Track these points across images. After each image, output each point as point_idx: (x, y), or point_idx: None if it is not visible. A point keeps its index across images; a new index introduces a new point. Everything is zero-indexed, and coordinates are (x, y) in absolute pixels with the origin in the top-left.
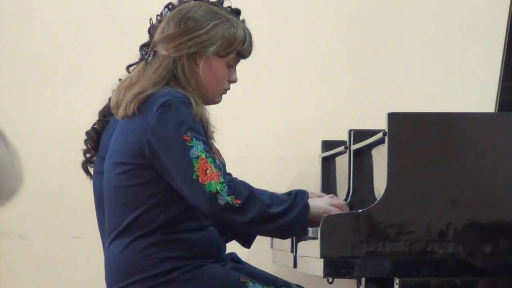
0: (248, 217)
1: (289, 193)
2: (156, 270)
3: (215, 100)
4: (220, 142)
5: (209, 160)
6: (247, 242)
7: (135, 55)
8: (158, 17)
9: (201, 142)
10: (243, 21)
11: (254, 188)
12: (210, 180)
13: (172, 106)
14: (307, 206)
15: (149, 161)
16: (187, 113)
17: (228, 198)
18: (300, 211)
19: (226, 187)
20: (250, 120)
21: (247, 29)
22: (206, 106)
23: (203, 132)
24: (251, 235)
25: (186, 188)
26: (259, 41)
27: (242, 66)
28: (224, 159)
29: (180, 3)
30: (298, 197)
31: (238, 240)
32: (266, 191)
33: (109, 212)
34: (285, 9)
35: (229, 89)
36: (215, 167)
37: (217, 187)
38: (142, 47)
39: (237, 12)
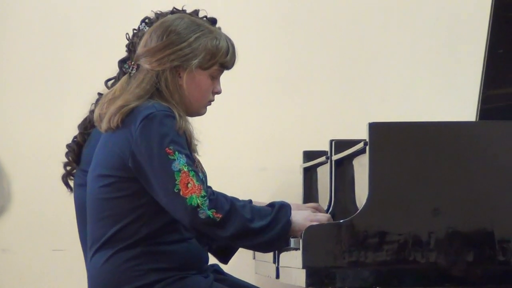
0: (229, 232)
1: (271, 205)
2: (138, 282)
3: (200, 112)
4: (202, 152)
5: (191, 173)
6: (224, 259)
7: (115, 69)
8: (135, 32)
9: (183, 156)
10: (219, 28)
11: (236, 201)
12: (191, 193)
13: (155, 119)
14: (289, 222)
15: (133, 173)
16: (171, 126)
17: (209, 212)
18: (282, 228)
19: (207, 201)
20: (231, 130)
21: (229, 40)
22: (190, 118)
23: (186, 145)
24: (229, 252)
25: (168, 201)
26: (241, 51)
27: (223, 77)
28: (206, 169)
29: (157, 16)
30: (281, 212)
31: (215, 256)
32: (248, 203)
33: (91, 225)
34: (267, 20)
35: (213, 100)
36: (197, 181)
37: (198, 201)
38: (120, 62)
39: (212, 21)
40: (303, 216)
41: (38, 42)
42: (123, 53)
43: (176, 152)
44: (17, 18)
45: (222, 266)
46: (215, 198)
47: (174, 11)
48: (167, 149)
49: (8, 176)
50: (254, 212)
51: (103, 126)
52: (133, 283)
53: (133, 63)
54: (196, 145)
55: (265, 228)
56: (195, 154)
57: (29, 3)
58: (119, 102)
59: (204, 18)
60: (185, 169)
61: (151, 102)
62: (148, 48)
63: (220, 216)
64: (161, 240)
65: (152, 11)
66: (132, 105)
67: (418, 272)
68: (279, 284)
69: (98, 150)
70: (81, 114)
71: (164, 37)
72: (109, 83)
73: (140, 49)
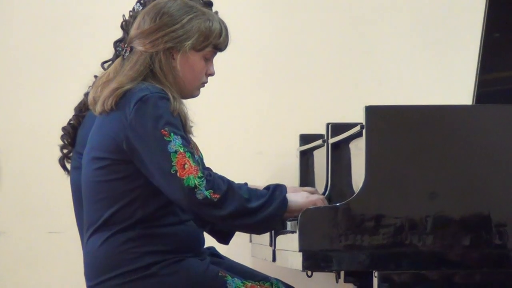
0: (226, 211)
1: (267, 187)
2: (135, 265)
3: (193, 93)
4: (198, 136)
5: (187, 154)
6: (224, 239)
7: (110, 51)
8: (131, 13)
9: (179, 137)
10: (216, 12)
11: (232, 182)
12: (188, 174)
13: (149, 101)
14: (285, 200)
15: (128, 156)
16: (165, 108)
17: (207, 193)
18: (278, 205)
19: (205, 181)
20: (228, 114)
21: (222, 22)
22: (184, 101)
23: (181, 126)
24: (230, 232)
25: (164, 182)
26: (238, 35)
27: (220, 61)
28: (203, 153)
29: None
30: (276, 191)
31: (215, 236)
32: (244, 185)
33: (87, 207)
34: (264, 4)
35: (206, 82)
36: (193, 162)
37: (196, 182)
38: (116, 43)
39: (209, 4)
40: (299, 195)
41: (35, 23)
42: (118, 35)
43: (172, 134)
44: (12, 1)
45: (219, 248)
46: (212, 179)
47: None
48: (162, 130)
49: (2, 156)
50: (251, 192)
51: (97, 108)
52: (129, 266)
53: (126, 45)
54: (192, 126)
55: (261, 206)
56: (190, 136)
57: None
58: (112, 85)
59: (201, 1)
60: (181, 150)
61: (145, 84)
62: (141, 30)
63: (218, 196)
64: (158, 222)
65: None
66: (126, 87)
67: (414, 255)
68: (275, 267)
69: (92, 133)
70: (77, 95)
71: (157, 19)
72: (106, 64)
73: (132, 31)
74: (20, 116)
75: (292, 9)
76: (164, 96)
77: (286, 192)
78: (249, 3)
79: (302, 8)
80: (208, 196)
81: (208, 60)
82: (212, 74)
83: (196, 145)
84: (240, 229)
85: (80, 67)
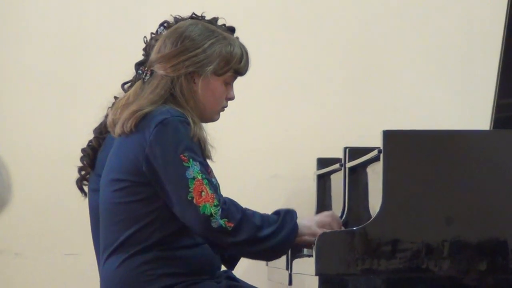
0: (239, 239)
1: (277, 213)
2: (151, 287)
3: (213, 118)
4: (215, 159)
5: (205, 181)
6: (230, 264)
7: (129, 73)
8: (153, 36)
9: (197, 163)
10: (237, 38)
11: (246, 209)
12: (204, 202)
13: (170, 125)
14: (295, 226)
15: (146, 178)
16: (185, 133)
17: (221, 222)
18: (289, 232)
19: (220, 210)
20: (244, 136)
21: (243, 46)
22: (204, 125)
23: (200, 152)
24: (235, 257)
25: (180, 208)
26: (254, 58)
27: (237, 84)
28: (217, 176)
29: (176, 21)
30: (287, 217)
31: (222, 262)
32: (256, 212)
33: (104, 229)
34: (280, 27)
35: (226, 106)
36: (210, 189)
37: (211, 210)
38: (137, 65)
39: (231, 30)
40: (310, 219)
41: (53, 45)
42: (138, 57)
43: (191, 160)
44: (32, 22)
45: (236, 272)
46: (227, 207)
47: (193, 17)
48: (181, 156)
49: (7, 167)
50: (263, 220)
51: (117, 130)
52: None
53: (146, 68)
54: (210, 151)
55: (272, 233)
56: (209, 161)
57: (44, 9)
58: (133, 107)
59: (223, 26)
60: (199, 177)
61: (166, 107)
62: (162, 54)
63: (232, 225)
64: (175, 244)
65: (171, 15)
66: (146, 110)
67: (430, 280)
68: None
69: (111, 155)
70: (95, 117)
71: (179, 43)
72: (126, 86)
73: (153, 55)
74: (37, 138)
75: (310, 34)
76: (184, 120)
77: (296, 217)
78: (267, 27)
79: (319, 33)
80: (223, 225)
81: (228, 84)
82: (232, 98)
83: (212, 170)
84: (252, 256)
85: (98, 88)
